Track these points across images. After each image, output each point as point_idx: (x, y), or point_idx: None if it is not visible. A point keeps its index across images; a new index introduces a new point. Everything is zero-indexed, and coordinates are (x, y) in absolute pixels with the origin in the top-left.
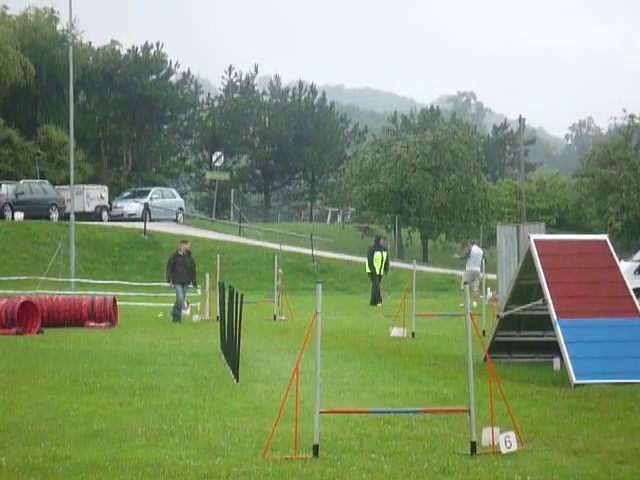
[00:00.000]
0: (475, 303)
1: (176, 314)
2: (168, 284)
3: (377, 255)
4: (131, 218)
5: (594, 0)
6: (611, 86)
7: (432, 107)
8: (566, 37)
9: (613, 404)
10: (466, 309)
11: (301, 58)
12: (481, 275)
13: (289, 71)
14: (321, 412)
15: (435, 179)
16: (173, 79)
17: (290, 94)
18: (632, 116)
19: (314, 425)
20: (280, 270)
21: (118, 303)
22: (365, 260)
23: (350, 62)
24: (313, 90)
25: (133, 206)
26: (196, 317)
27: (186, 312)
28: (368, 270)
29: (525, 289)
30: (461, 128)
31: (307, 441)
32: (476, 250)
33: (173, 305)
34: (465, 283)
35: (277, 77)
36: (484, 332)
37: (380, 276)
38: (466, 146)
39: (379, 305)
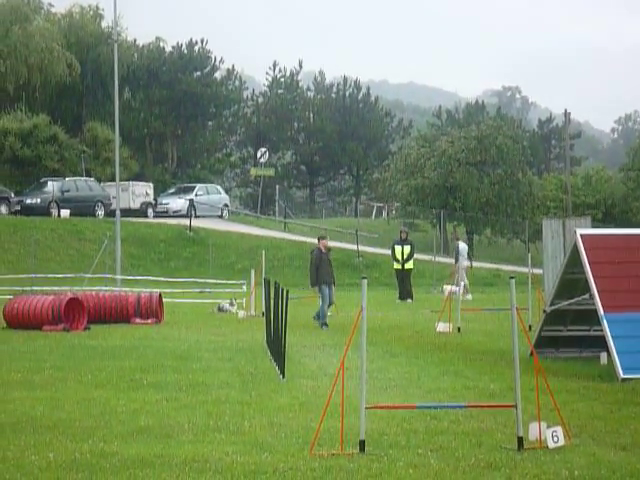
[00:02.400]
0: (470, 296)
1: (324, 321)
2: (313, 288)
3: (398, 249)
4: (176, 214)
5: None
6: None
7: (477, 102)
8: (609, 31)
9: None
10: (512, 304)
11: (345, 53)
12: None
13: (333, 66)
14: (367, 407)
15: (480, 174)
16: (217, 75)
17: (334, 89)
18: None
19: (360, 420)
20: None
21: (164, 299)
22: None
23: (394, 57)
24: (357, 85)
25: (178, 202)
26: (242, 313)
27: (232, 309)
28: (394, 265)
29: (571, 283)
30: (506, 122)
31: (353, 437)
32: (462, 246)
33: (319, 311)
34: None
35: (321, 73)
36: (530, 327)
37: (406, 270)
38: (511, 140)
39: (409, 301)
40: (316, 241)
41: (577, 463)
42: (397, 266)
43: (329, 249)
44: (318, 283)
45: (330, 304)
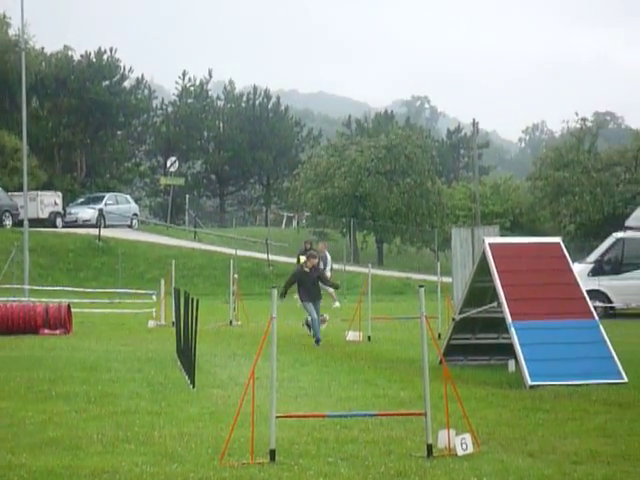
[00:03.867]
0: (337, 304)
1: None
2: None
3: (302, 259)
4: (85, 224)
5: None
6: (563, 90)
7: (386, 111)
8: (517, 42)
9: (568, 405)
10: (421, 312)
11: (255, 63)
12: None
13: (243, 76)
14: (278, 417)
15: (390, 183)
16: (127, 84)
17: (244, 99)
18: (584, 119)
19: (271, 430)
20: (235, 275)
21: (73, 310)
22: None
23: (304, 67)
24: (267, 95)
25: (87, 212)
26: (151, 323)
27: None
28: None
29: (480, 292)
30: (415, 132)
31: (264, 446)
32: (329, 257)
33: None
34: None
35: (231, 82)
36: (440, 335)
37: None
38: (420, 150)
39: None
40: (226, 250)
41: (485, 470)
42: None
43: (316, 268)
44: (301, 300)
45: (317, 319)
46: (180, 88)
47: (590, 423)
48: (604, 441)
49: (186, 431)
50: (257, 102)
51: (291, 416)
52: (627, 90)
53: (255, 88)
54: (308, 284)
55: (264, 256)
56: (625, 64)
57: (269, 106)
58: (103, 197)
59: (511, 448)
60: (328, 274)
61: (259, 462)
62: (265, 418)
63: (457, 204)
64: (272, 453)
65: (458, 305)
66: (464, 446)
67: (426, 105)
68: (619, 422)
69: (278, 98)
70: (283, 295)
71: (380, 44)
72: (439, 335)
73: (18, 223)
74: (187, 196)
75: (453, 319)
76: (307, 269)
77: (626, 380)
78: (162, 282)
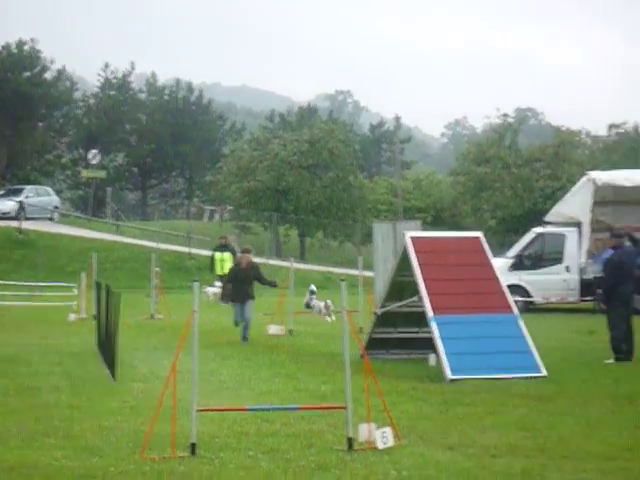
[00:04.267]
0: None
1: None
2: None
3: (216, 256)
4: (5, 217)
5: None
6: (485, 86)
7: (309, 105)
8: (439, 38)
9: (487, 399)
10: (342, 306)
11: (178, 56)
12: None
13: (166, 68)
14: (199, 410)
15: (312, 177)
16: (48, 76)
17: (167, 92)
18: (506, 115)
19: (192, 423)
20: (157, 268)
21: None
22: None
23: (227, 60)
24: (190, 88)
25: (7, 204)
26: (72, 316)
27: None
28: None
29: (401, 286)
30: (338, 126)
31: (185, 440)
32: (235, 247)
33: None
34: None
35: (154, 74)
36: (361, 329)
37: (223, 276)
38: (343, 144)
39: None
40: (148, 243)
41: (405, 463)
42: (218, 272)
43: (252, 266)
44: (231, 299)
45: (242, 322)
46: (102, 80)
47: (509, 417)
48: (523, 435)
49: (106, 425)
50: (180, 95)
51: (212, 410)
52: (548, 87)
53: (178, 81)
54: (241, 282)
55: (186, 249)
56: (545, 61)
57: (192, 99)
58: (23, 189)
59: (431, 441)
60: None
61: (180, 456)
62: (186, 412)
63: (379, 198)
64: (193, 447)
65: (379, 299)
66: (384, 439)
67: (349, 100)
68: (538, 416)
69: (201, 91)
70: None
71: (303, 38)
72: (360, 329)
73: None
74: (109, 189)
75: (374, 313)
76: (242, 266)
77: (545, 374)
78: (83, 275)
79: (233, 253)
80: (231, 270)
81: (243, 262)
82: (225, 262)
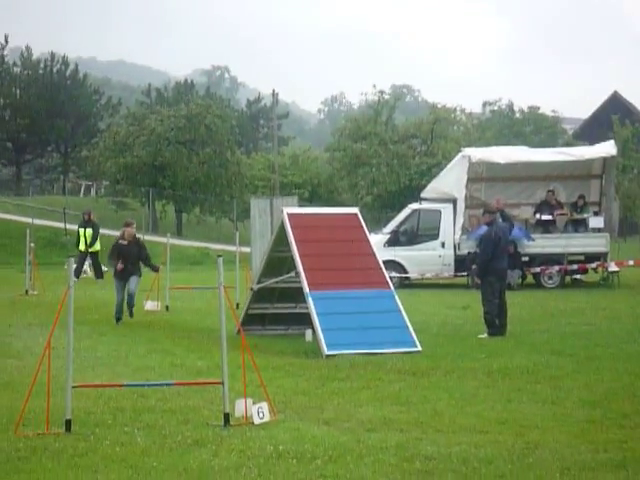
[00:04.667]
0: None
1: (117, 315)
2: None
3: (80, 231)
4: None
5: None
6: (362, 63)
7: (186, 81)
8: (315, 14)
9: (363, 374)
10: (219, 282)
11: (53, 30)
12: None
13: (40, 43)
14: (74, 386)
15: (189, 153)
16: None
17: (42, 66)
18: (382, 92)
19: (66, 400)
20: (32, 244)
21: None
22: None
23: (103, 34)
24: (65, 62)
25: None
26: None
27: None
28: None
29: (278, 262)
30: (215, 102)
31: (60, 416)
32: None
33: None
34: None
35: (28, 48)
36: (238, 305)
37: (86, 253)
38: (220, 120)
39: (75, 280)
40: (22, 219)
41: (282, 438)
42: (82, 248)
43: (136, 239)
44: (114, 276)
45: (126, 300)
46: None
47: (384, 391)
48: (398, 409)
49: None
50: (55, 69)
51: (87, 386)
52: (423, 65)
53: (53, 55)
54: (124, 258)
55: (61, 225)
56: (419, 42)
57: (67, 74)
58: None
59: (307, 416)
60: (98, 245)
61: (55, 432)
62: (61, 388)
63: (256, 174)
64: (68, 423)
65: (256, 275)
66: (261, 415)
67: (226, 75)
68: (412, 390)
69: (76, 66)
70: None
71: (180, 13)
72: (237, 305)
73: None
74: None
75: (251, 289)
76: (124, 241)
77: (420, 349)
78: None
79: (95, 230)
80: (114, 246)
81: (126, 236)
82: (88, 239)
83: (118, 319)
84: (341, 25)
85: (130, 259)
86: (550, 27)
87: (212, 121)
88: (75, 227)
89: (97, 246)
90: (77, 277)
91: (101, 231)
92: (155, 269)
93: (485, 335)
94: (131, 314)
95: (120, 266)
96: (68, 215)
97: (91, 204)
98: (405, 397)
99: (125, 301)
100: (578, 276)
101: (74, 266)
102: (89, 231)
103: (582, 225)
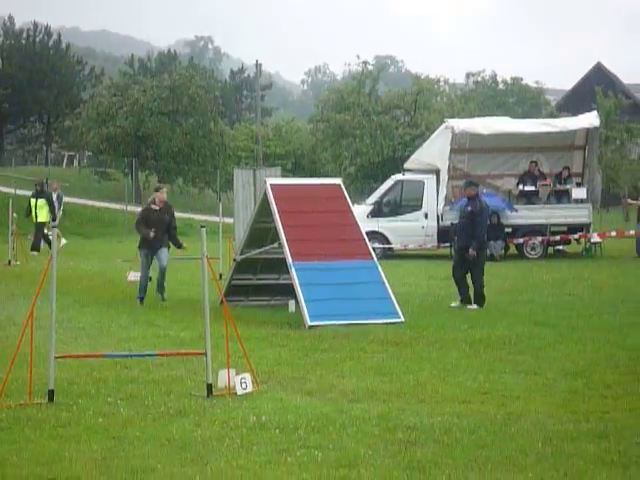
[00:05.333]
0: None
1: (141, 295)
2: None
3: (32, 202)
4: None
5: None
6: (346, 34)
7: (169, 51)
8: None
9: (346, 345)
10: (203, 253)
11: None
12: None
13: (23, 12)
14: (57, 357)
15: (172, 123)
16: None
17: (24, 36)
18: (365, 62)
19: (50, 370)
20: (14, 215)
21: None
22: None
23: (86, 4)
24: (48, 32)
25: None
26: None
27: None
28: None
29: (261, 233)
30: (198, 72)
31: (43, 387)
32: (60, 193)
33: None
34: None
35: (10, 18)
36: (221, 276)
37: (42, 223)
38: (203, 90)
39: (34, 253)
40: (5, 189)
41: (265, 409)
42: (34, 219)
43: (168, 206)
44: (139, 248)
45: (157, 278)
46: None
47: (367, 362)
48: (380, 379)
49: None
50: (37, 39)
51: (70, 356)
52: (407, 36)
53: (35, 25)
54: (155, 225)
55: (62, 195)
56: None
57: (50, 44)
58: None
59: (290, 387)
60: (59, 214)
61: (37, 402)
62: (44, 359)
63: (239, 145)
64: (51, 393)
65: (239, 246)
66: (244, 385)
67: (210, 46)
68: (395, 361)
69: (59, 35)
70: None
71: None
72: (220, 276)
73: None
74: None
75: (234, 260)
76: (156, 207)
77: (402, 320)
78: None
79: (49, 200)
80: (143, 211)
81: (157, 202)
82: (40, 209)
83: (142, 299)
84: None
85: (161, 227)
86: None
87: (195, 92)
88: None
89: (45, 217)
90: (37, 250)
91: (84, 202)
92: (179, 245)
93: (475, 306)
94: (163, 297)
95: (152, 234)
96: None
97: (74, 175)
98: (388, 368)
99: (156, 279)
100: (561, 247)
101: (54, 237)
102: (40, 202)
103: (565, 196)
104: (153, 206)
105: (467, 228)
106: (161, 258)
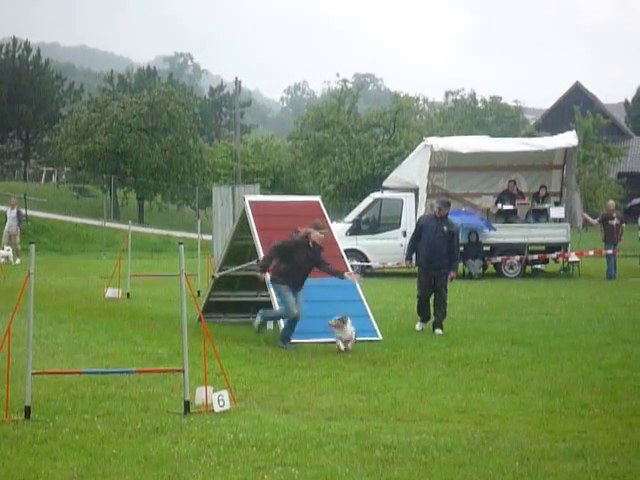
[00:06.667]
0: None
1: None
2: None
3: None
4: None
5: None
6: (325, 51)
7: (149, 67)
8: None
9: (324, 362)
10: (181, 269)
11: (15, 14)
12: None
13: (2, 27)
14: (34, 373)
15: (151, 140)
16: None
17: (3, 51)
18: (345, 80)
19: (26, 386)
20: None
21: None
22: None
23: (65, 20)
24: (27, 47)
25: None
26: None
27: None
28: None
29: (240, 249)
30: (178, 89)
31: (19, 403)
32: (13, 214)
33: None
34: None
35: None
36: (199, 292)
37: None
38: (183, 107)
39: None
40: None
41: (242, 426)
42: None
43: (319, 246)
44: (275, 282)
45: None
46: None
47: (345, 380)
48: (358, 397)
49: None
50: (17, 55)
51: (47, 372)
52: (387, 54)
53: (15, 40)
54: (302, 263)
55: (22, 211)
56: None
57: (29, 59)
58: None
59: (267, 405)
60: (17, 231)
61: (14, 419)
62: (21, 375)
63: (218, 162)
64: (27, 410)
65: (218, 263)
66: (221, 402)
67: (189, 62)
68: (373, 379)
69: (39, 51)
70: (264, 270)
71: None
72: (198, 292)
73: None
74: None
75: (213, 276)
76: (311, 244)
77: (381, 338)
78: None
79: (19, 218)
80: (293, 242)
81: (314, 239)
82: None
83: (287, 342)
84: (298, 14)
85: (306, 265)
86: (512, 17)
87: (174, 108)
88: (36, 213)
89: None
90: None
91: (62, 218)
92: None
93: (441, 331)
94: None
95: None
96: (29, 201)
97: (52, 191)
98: (365, 386)
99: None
100: (539, 266)
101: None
102: None
103: (543, 215)
104: (309, 242)
105: (443, 248)
106: (301, 300)
